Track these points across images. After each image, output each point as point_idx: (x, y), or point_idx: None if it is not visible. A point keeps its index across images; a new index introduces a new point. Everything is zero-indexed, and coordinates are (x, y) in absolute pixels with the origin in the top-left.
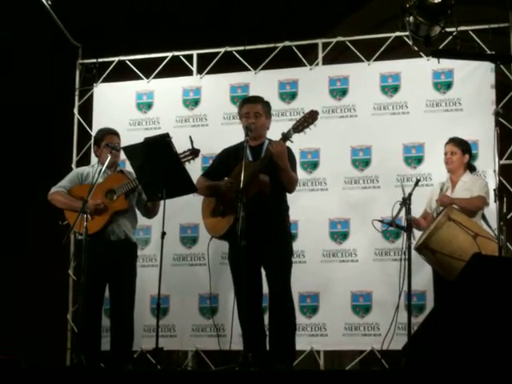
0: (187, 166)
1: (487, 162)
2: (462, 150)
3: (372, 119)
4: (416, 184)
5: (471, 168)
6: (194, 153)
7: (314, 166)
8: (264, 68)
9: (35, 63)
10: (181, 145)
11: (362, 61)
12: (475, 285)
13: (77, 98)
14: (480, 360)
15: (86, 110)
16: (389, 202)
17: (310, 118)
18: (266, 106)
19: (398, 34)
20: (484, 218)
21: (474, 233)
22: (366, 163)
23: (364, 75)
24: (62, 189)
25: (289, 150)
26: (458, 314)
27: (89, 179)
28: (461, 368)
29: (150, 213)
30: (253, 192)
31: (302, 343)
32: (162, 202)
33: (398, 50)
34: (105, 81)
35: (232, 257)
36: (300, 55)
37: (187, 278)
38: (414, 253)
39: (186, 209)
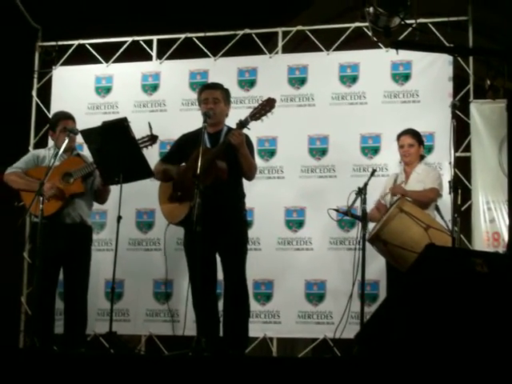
0: (145, 151)
1: (443, 154)
2: (418, 142)
3: (330, 109)
4: (372, 174)
5: (422, 157)
6: (152, 139)
7: (271, 153)
8: (224, 55)
9: None
10: (139, 130)
11: (322, 50)
12: (428, 275)
13: (35, 80)
14: (430, 349)
15: (45, 93)
16: (345, 191)
17: (267, 106)
18: (225, 92)
19: (357, 24)
20: (437, 209)
21: (425, 225)
22: (323, 152)
23: (323, 65)
24: (17, 169)
25: (247, 137)
26: (410, 303)
27: (45, 162)
28: (412, 357)
29: (99, 198)
30: (210, 178)
31: (256, 330)
32: (113, 187)
33: (358, 41)
34: (64, 64)
35: (187, 243)
36: (260, 43)
37: (142, 262)
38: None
39: (143, 194)
